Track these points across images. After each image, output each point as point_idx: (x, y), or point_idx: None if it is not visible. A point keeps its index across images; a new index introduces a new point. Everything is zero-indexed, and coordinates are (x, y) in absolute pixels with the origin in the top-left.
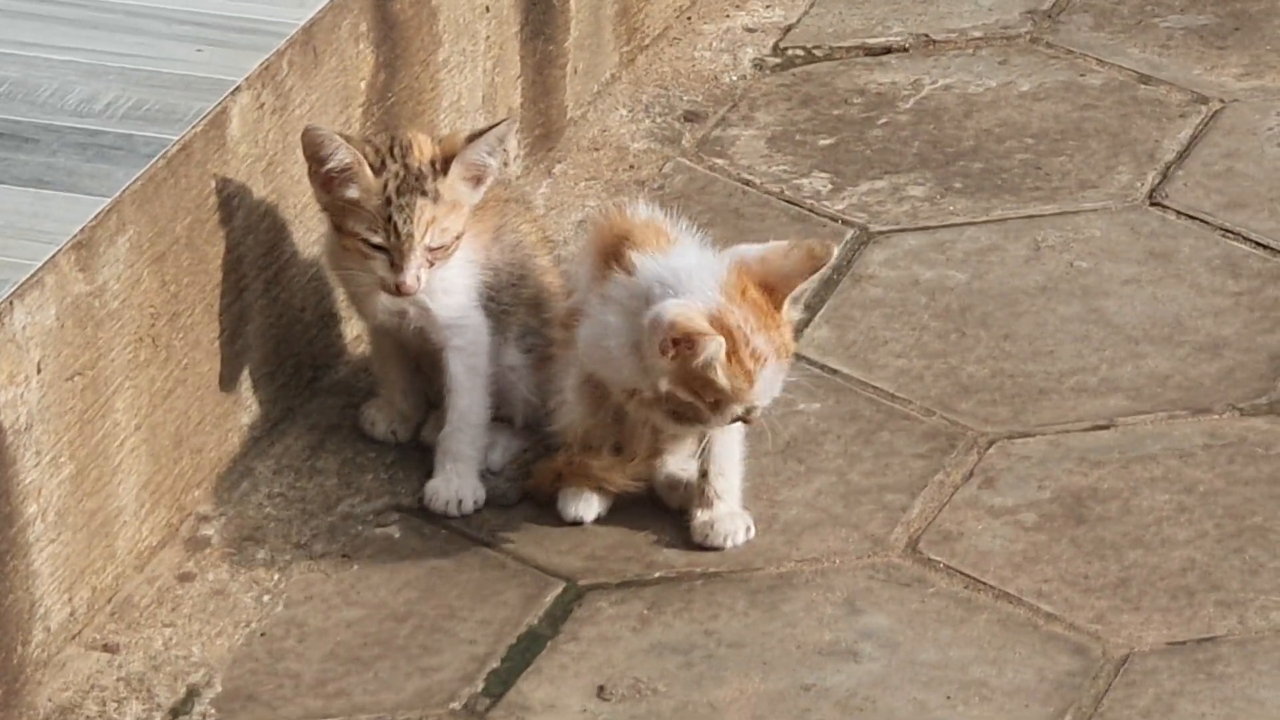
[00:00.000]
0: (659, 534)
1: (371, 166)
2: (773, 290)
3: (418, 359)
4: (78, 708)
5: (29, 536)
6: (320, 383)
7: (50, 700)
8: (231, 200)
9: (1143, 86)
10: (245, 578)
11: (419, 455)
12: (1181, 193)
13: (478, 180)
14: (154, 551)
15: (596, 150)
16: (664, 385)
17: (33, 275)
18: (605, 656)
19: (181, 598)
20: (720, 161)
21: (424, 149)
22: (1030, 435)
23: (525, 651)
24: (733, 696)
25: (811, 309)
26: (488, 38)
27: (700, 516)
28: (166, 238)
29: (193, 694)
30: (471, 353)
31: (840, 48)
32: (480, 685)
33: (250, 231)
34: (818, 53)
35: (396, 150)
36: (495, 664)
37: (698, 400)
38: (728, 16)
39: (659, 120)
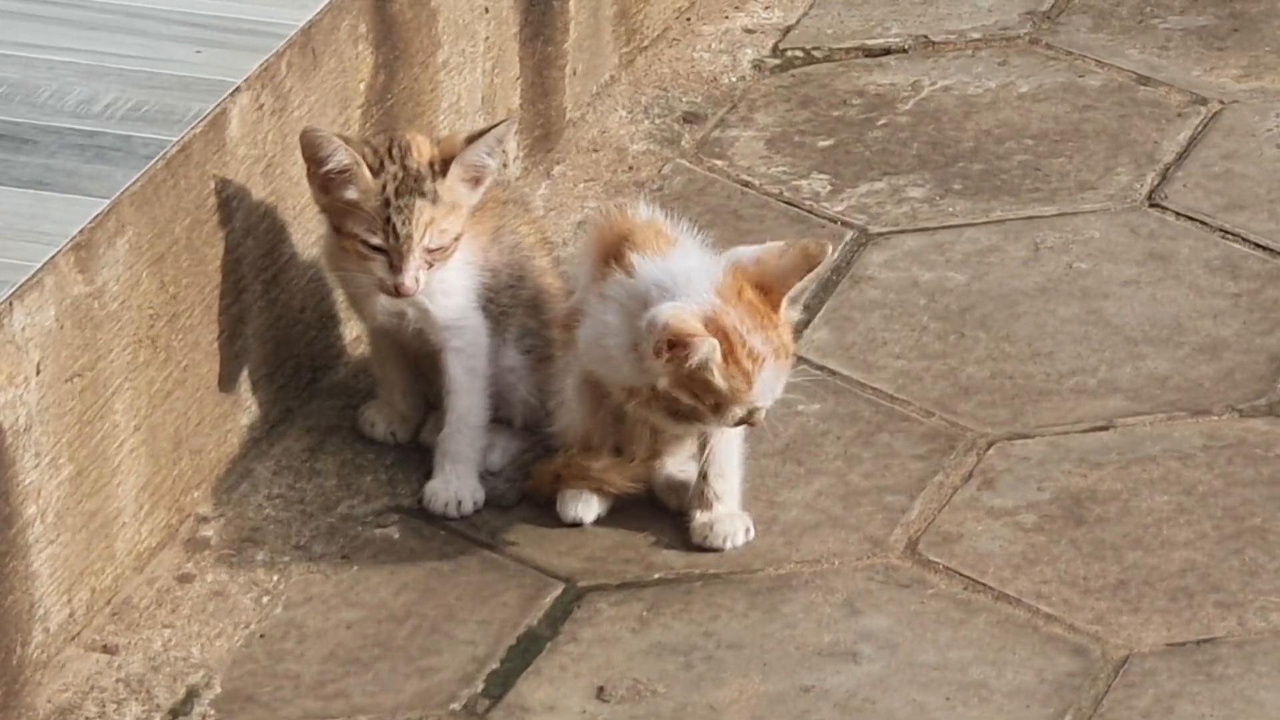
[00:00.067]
0: (658, 535)
1: (370, 168)
2: (769, 290)
3: (417, 360)
4: (77, 709)
5: (28, 538)
6: (319, 384)
7: (50, 701)
8: (231, 201)
9: (1142, 88)
10: (244, 579)
11: (418, 456)
12: (1181, 194)
13: (476, 181)
14: (153, 553)
15: (595, 151)
16: (663, 385)
17: (32, 276)
18: (605, 658)
19: (181, 599)
20: (719, 163)
21: (423, 150)
22: (1030, 436)
23: (525, 652)
24: (732, 698)
25: (811, 310)
26: (487, 39)
27: (700, 518)
28: (166, 239)
29: (192, 695)
30: (470, 354)
31: (839, 49)
32: (480, 686)
33: (249, 233)
34: (817, 54)
35: (395, 151)
36: (495, 665)
37: (698, 403)
38: (727, 18)
39: (658, 121)
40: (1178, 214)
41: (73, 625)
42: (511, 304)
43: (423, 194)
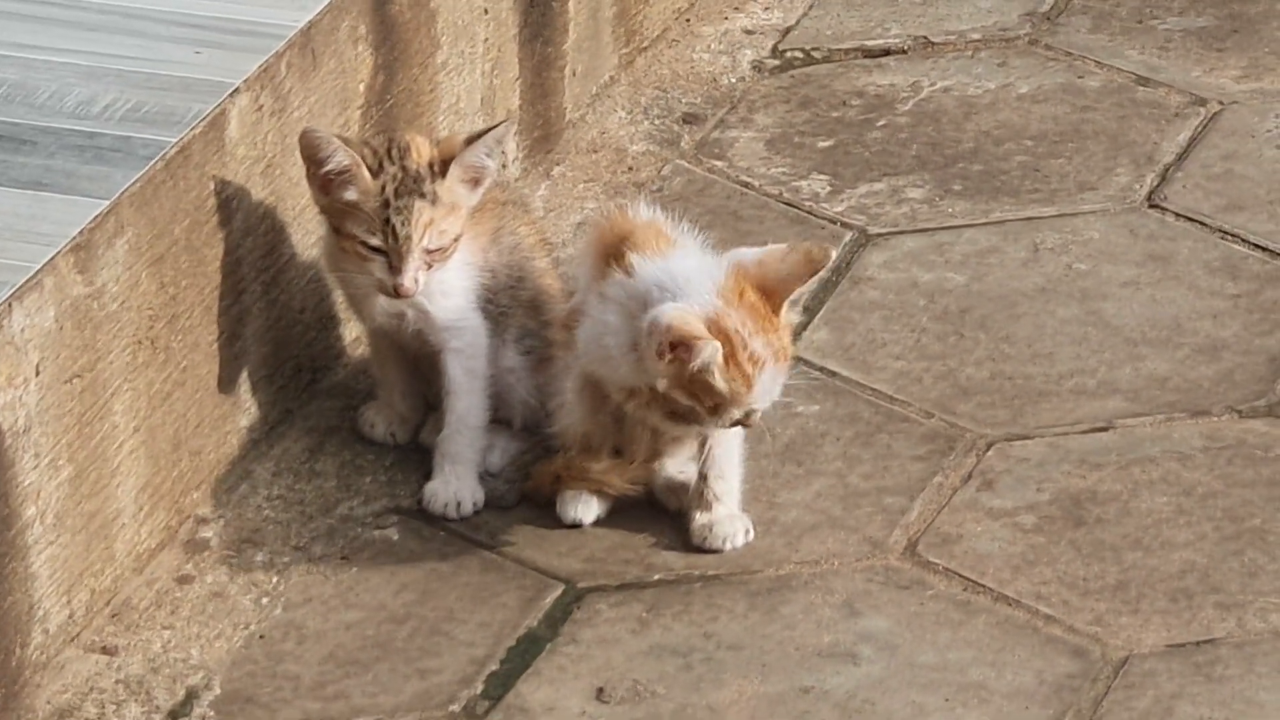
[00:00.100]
0: (658, 536)
1: (369, 169)
2: (771, 293)
3: (416, 361)
4: (76, 710)
5: (28, 539)
6: (319, 385)
7: (49, 702)
8: (230, 202)
9: (1141, 89)
10: (244, 580)
11: (418, 457)
12: (1180, 195)
13: (476, 182)
14: (153, 554)
15: (595, 152)
16: (662, 386)
17: (31, 277)
18: (604, 659)
19: (180, 600)
20: (719, 163)
21: (422, 151)
22: (1029, 437)
23: (524, 654)
24: (732, 699)
25: (810, 311)
26: (486, 40)
27: (699, 519)
28: (165, 240)
29: (191, 696)
30: (470, 355)
31: (839, 50)
32: (479, 687)
33: (249, 234)
34: (816, 55)
35: (394, 152)
36: (494, 666)
37: (696, 404)
38: (726, 19)
39: (658, 122)
40: (1177, 215)
41: (72, 626)
42: (511, 305)
43: (422, 195)
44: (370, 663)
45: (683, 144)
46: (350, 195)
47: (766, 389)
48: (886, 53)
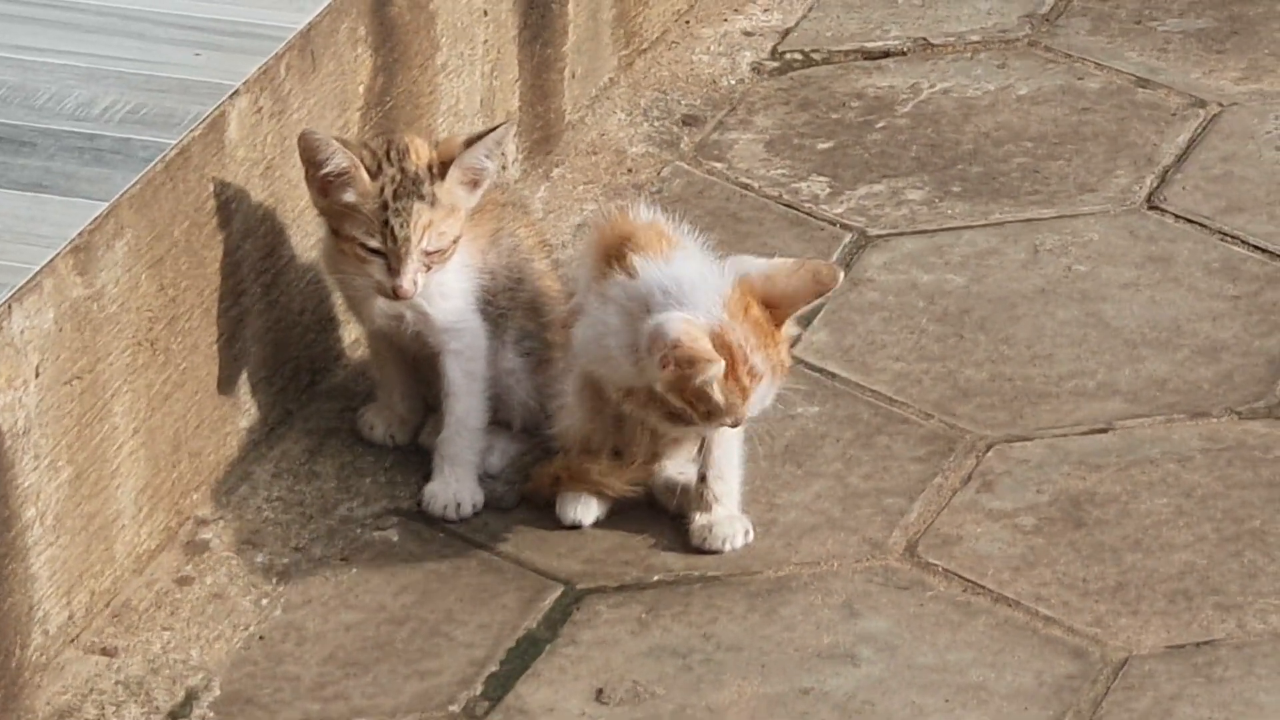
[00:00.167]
0: (657, 537)
1: (368, 170)
2: (775, 308)
3: (416, 363)
4: (76, 711)
5: (27, 540)
6: (318, 386)
7: (49, 703)
8: (229, 204)
9: (1141, 90)
10: (244, 581)
11: (417, 459)
12: (1180, 196)
13: (475, 184)
14: (152, 555)
15: (594, 154)
16: (659, 389)
17: (31, 279)
18: (604, 660)
19: (180, 601)
20: (718, 165)
21: (421, 153)
22: (1029, 439)
23: (524, 655)
24: (731, 700)
25: (810, 312)
26: (485, 41)
27: (699, 520)
28: (165, 242)
29: (191, 697)
30: (469, 356)
31: (838, 51)
32: (479, 689)
33: (248, 235)
34: (816, 56)
35: (393, 154)
36: (494, 667)
37: (689, 408)
38: (726, 20)
39: (657, 124)
40: (1177, 216)
41: (72, 627)
42: (510, 306)
43: (421, 197)
44: (370, 664)
45: (682, 146)
46: (349, 197)
47: (760, 399)
48: (886, 54)
